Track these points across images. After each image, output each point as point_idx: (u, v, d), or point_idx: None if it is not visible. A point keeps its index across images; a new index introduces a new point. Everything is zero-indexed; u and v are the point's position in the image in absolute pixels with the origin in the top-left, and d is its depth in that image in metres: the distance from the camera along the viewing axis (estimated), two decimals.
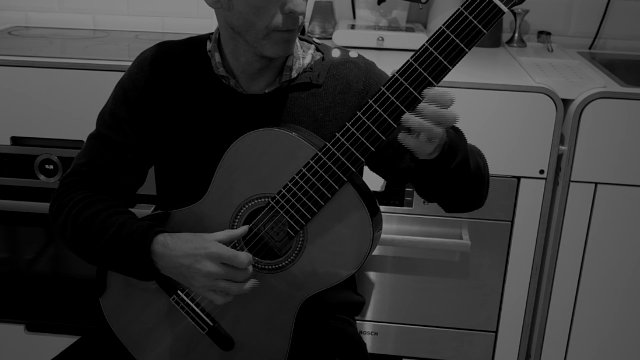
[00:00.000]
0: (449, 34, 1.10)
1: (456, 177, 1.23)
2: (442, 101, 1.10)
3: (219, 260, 1.20)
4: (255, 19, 1.21)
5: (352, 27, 2.28)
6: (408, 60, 1.13)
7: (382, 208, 1.92)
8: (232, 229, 1.26)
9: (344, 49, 1.39)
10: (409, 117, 1.11)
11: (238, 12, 1.22)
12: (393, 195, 1.95)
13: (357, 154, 1.17)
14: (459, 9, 1.10)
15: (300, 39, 1.37)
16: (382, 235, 1.88)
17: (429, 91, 1.11)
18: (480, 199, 1.33)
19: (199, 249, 1.21)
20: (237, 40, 1.27)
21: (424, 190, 1.32)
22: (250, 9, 1.20)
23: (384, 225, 1.87)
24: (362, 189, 1.21)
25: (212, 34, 1.37)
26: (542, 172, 1.89)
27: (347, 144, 1.17)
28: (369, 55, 1.41)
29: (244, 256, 1.21)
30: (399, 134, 1.13)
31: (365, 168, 1.43)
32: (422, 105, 1.11)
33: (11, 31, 2.38)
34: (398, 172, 1.35)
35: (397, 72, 1.13)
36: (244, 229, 1.25)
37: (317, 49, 1.37)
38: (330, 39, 2.19)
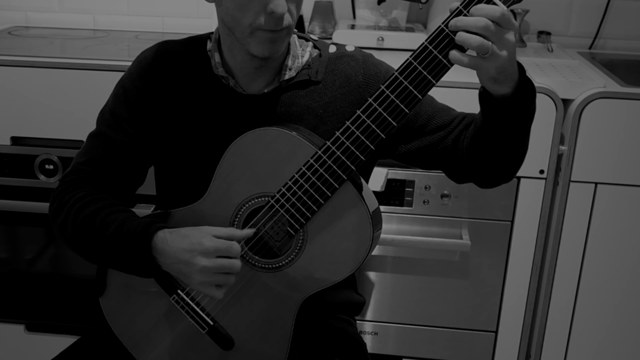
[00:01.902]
0: (448, 32, 1.10)
1: (526, 125, 1.22)
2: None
3: (215, 255, 1.20)
4: (240, 15, 1.21)
5: (352, 27, 2.29)
6: (407, 59, 1.13)
7: (382, 208, 1.91)
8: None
9: (340, 44, 1.39)
10: (458, 19, 1.09)
11: (225, 7, 1.23)
12: (393, 195, 1.95)
13: (357, 153, 1.17)
14: (457, 7, 1.10)
15: (299, 37, 1.37)
16: (382, 235, 1.88)
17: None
18: (521, 163, 1.31)
19: (194, 245, 1.21)
20: (231, 37, 1.27)
21: (470, 159, 1.29)
22: (235, 5, 1.21)
23: (384, 225, 1.87)
24: (362, 187, 1.21)
25: (212, 33, 1.37)
26: (542, 172, 1.89)
27: (347, 143, 1.17)
28: None
29: (237, 245, 1.21)
30: (450, 52, 1.10)
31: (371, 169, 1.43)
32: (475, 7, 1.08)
33: (11, 31, 2.38)
34: (437, 152, 1.33)
35: (396, 71, 1.13)
36: (248, 231, 1.25)
37: (315, 46, 1.37)
38: (330, 39, 2.19)
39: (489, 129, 1.22)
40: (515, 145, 1.24)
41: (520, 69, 1.16)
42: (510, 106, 1.17)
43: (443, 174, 1.90)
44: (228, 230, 1.24)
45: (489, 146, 1.24)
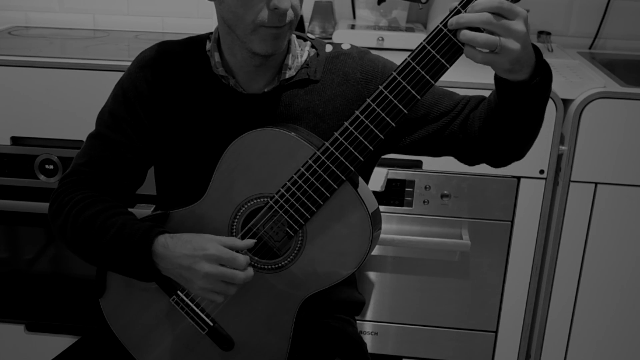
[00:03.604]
0: (447, 32, 1.10)
1: (542, 106, 1.20)
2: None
3: (218, 262, 1.20)
4: (242, 12, 1.21)
5: (352, 27, 2.29)
6: (406, 59, 1.13)
7: (382, 208, 1.92)
8: (231, 228, 1.26)
9: (336, 43, 1.39)
10: (460, 16, 1.08)
11: (227, 4, 1.22)
12: (393, 195, 1.95)
13: (356, 154, 1.17)
14: (456, 7, 1.10)
15: (298, 37, 1.37)
16: (382, 235, 1.88)
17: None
18: (534, 139, 1.29)
19: (197, 250, 1.21)
20: (232, 36, 1.27)
21: (483, 141, 1.28)
22: (238, 2, 1.20)
23: (384, 225, 1.87)
24: (361, 188, 1.21)
25: (211, 33, 1.37)
26: (542, 172, 1.89)
27: (346, 144, 1.17)
28: None
29: (243, 258, 1.21)
30: (465, 48, 1.09)
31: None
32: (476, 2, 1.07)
33: (11, 31, 2.38)
34: (443, 138, 1.32)
35: (395, 71, 1.13)
36: (250, 241, 1.25)
37: (312, 45, 1.37)
38: (330, 38, 2.19)
39: (505, 112, 1.21)
40: (531, 124, 1.24)
41: (537, 52, 1.15)
42: (526, 91, 1.15)
43: (443, 174, 1.91)
44: (229, 239, 1.24)
45: (504, 128, 1.23)
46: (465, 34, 1.08)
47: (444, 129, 1.32)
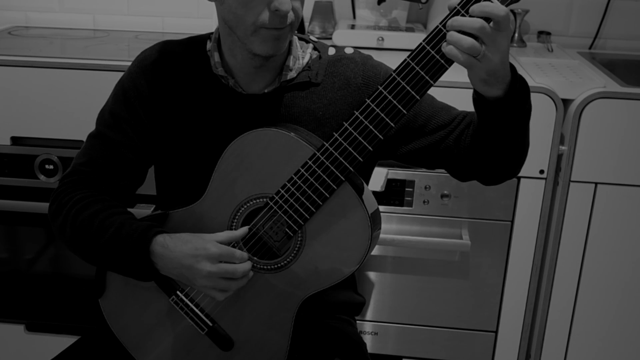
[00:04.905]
0: (446, 32, 1.10)
1: (523, 124, 1.22)
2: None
3: (219, 260, 1.21)
4: (243, 13, 1.21)
5: (352, 27, 2.29)
6: (405, 60, 1.13)
7: (382, 208, 1.92)
8: (231, 228, 1.27)
9: (339, 47, 1.39)
10: (455, 19, 1.08)
11: (228, 5, 1.22)
12: (393, 195, 1.95)
13: (355, 154, 1.17)
14: (455, 7, 1.09)
15: (299, 38, 1.37)
16: (382, 235, 1.88)
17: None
18: (523, 159, 1.31)
19: (198, 250, 1.21)
20: (233, 37, 1.27)
21: (471, 159, 1.28)
22: (238, 3, 1.20)
23: (384, 225, 1.87)
24: (360, 188, 1.21)
25: (212, 33, 1.37)
26: (542, 172, 1.89)
27: (345, 144, 1.17)
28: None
29: (240, 252, 1.23)
30: (446, 47, 1.09)
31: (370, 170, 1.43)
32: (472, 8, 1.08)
33: (11, 31, 2.38)
34: (439, 152, 1.33)
35: (394, 72, 1.13)
36: (243, 230, 1.25)
37: (314, 48, 1.37)
38: (330, 39, 2.19)
39: (485, 129, 1.22)
40: (514, 143, 1.24)
41: (512, 70, 1.16)
42: (502, 108, 1.16)
43: (443, 174, 1.92)
44: (225, 234, 1.25)
45: (487, 146, 1.24)
46: (453, 35, 1.08)
47: (440, 143, 1.32)
